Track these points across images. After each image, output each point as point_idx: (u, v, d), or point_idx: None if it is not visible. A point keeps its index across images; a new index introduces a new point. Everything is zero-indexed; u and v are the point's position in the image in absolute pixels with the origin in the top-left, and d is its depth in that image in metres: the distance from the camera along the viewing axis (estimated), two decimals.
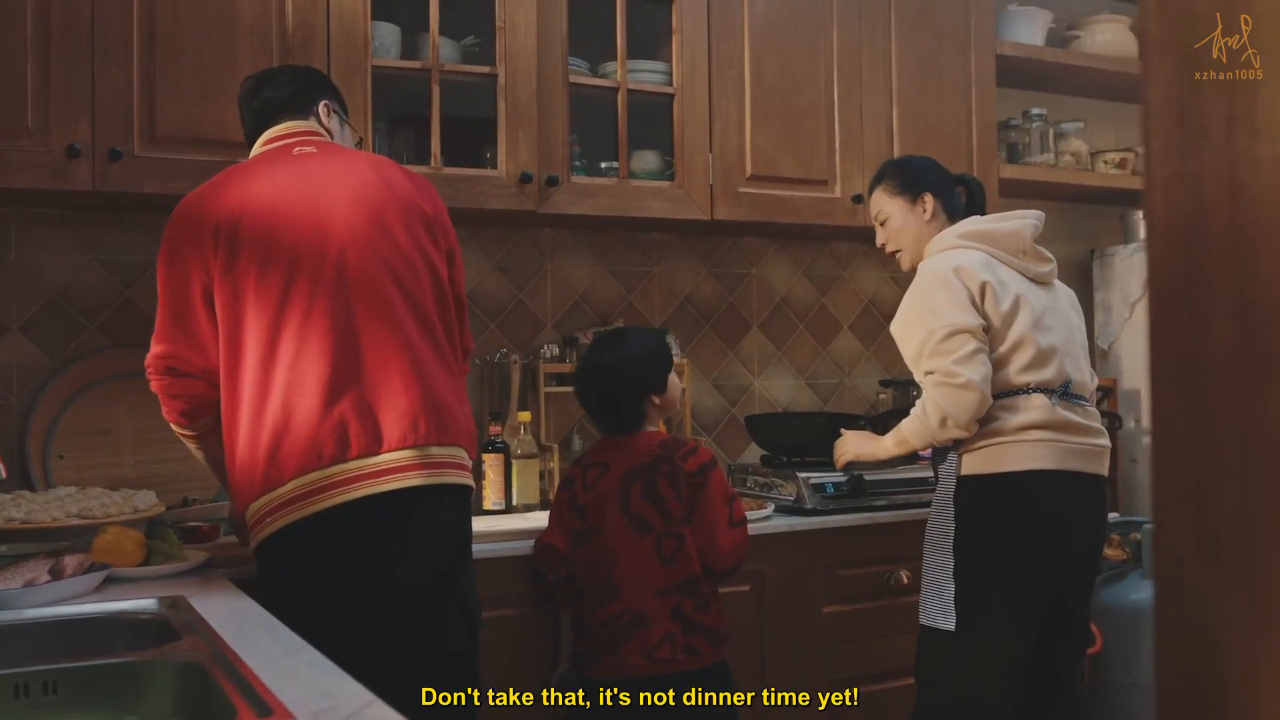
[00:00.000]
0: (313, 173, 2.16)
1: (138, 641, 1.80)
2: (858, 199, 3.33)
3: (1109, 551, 3.64)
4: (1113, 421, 4.02)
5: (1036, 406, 2.50)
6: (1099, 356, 4.20)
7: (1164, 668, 0.98)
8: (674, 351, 3.34)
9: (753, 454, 3.50)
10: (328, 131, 2.33)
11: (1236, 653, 0.92)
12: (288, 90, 2.32)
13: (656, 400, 2.57)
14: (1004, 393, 2.51)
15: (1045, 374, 2.52)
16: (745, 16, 3.22)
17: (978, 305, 2.49)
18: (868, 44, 3.40)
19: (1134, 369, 4.08)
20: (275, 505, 2.02)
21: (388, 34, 2.86)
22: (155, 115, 2.54)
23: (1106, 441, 2.61)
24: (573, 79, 3.01)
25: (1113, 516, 3.73)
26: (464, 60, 2.97)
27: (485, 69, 2.90)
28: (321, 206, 2.10)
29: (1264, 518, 0.89)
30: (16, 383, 2.73)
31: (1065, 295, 2.72)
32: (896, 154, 3.40)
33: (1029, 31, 3.87)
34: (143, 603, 1.90)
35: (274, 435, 2.02)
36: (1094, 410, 2.62)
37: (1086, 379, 2.63)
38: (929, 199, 2.70)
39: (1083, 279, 4.29)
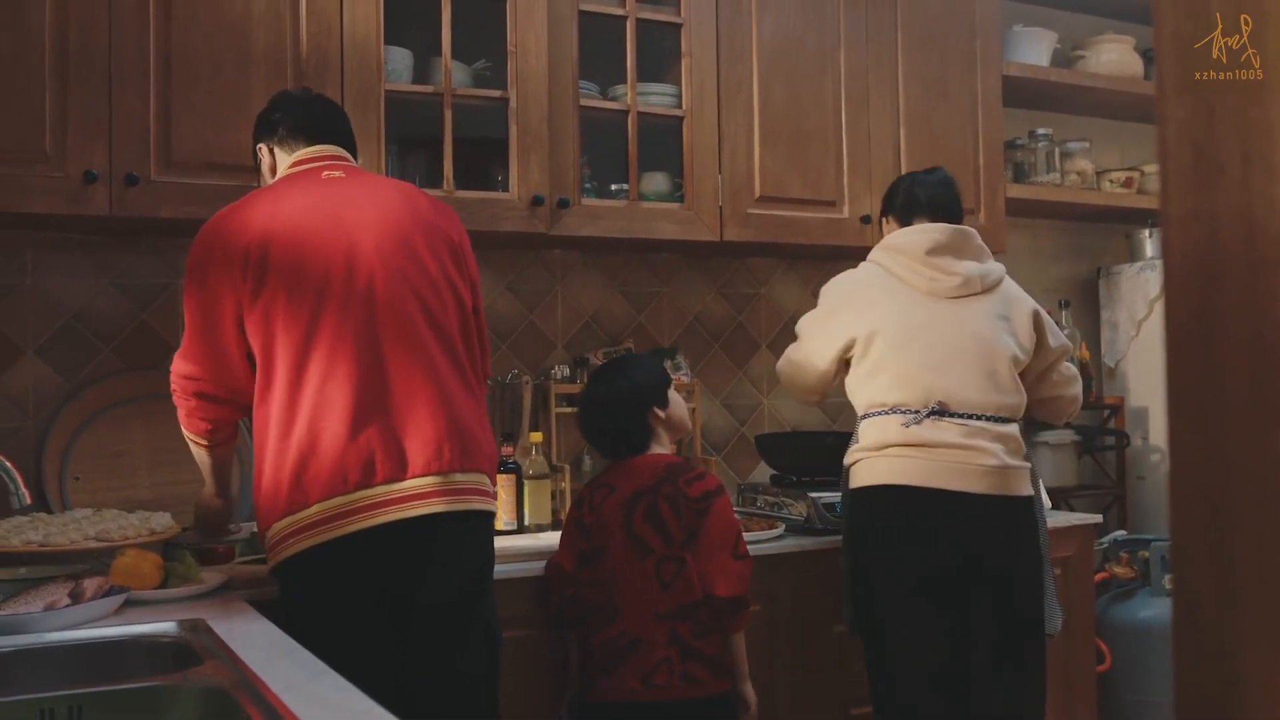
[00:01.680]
0: (341, 197, 2.17)
1: (158, 665, 1.82)
2: (866, 219, 3.36)
3: (1118, 569, 3.66)
4: (1120, 439, 4.05)
5: (891, 426, 2.59)
6: (1105, 374, 4.22)
7: (1183, 699, 1.00)
8: (683, 370, 3.37)
9: (762, 473, 3.52)
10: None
11: (1255, 682, 0.94)
12: (342, 125, 2.37)
13: (660, 413, 2.57)
14: (865, 414, 2.66)
15: (903, 395, 2.59)
16: (754, 40, 3.24)
17: (839, 321, 2.70)
18: (874, 66, 3.42)
19: (1140, 387, 4.10)
20: (299, 528, 2.03)
21: (400, 59, 2.89)
22: (171, 140, 2.57)
23: (995, 460, 2.55)
24: (583, 102, 3.04)
25: (1120, 534, 3.75)
26: (476, 84, 3.00)
27: (497, 93, 2.93)
28: (349, 231, 2.12)
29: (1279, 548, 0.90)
30: (33, 406, 2.75)
31: (988, 306, 2.65)
32: (904, 174, 3.42)
33: (1034, 52, 3.90)
34: (163, 626, 1.91)
35: (299, 459, 2.03)
36: (985, 427, 2.57)
37: (975, 395, 2.58)
38: (886, 222, 2.87)
39: (1089, 297, 4.31)
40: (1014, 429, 2.61)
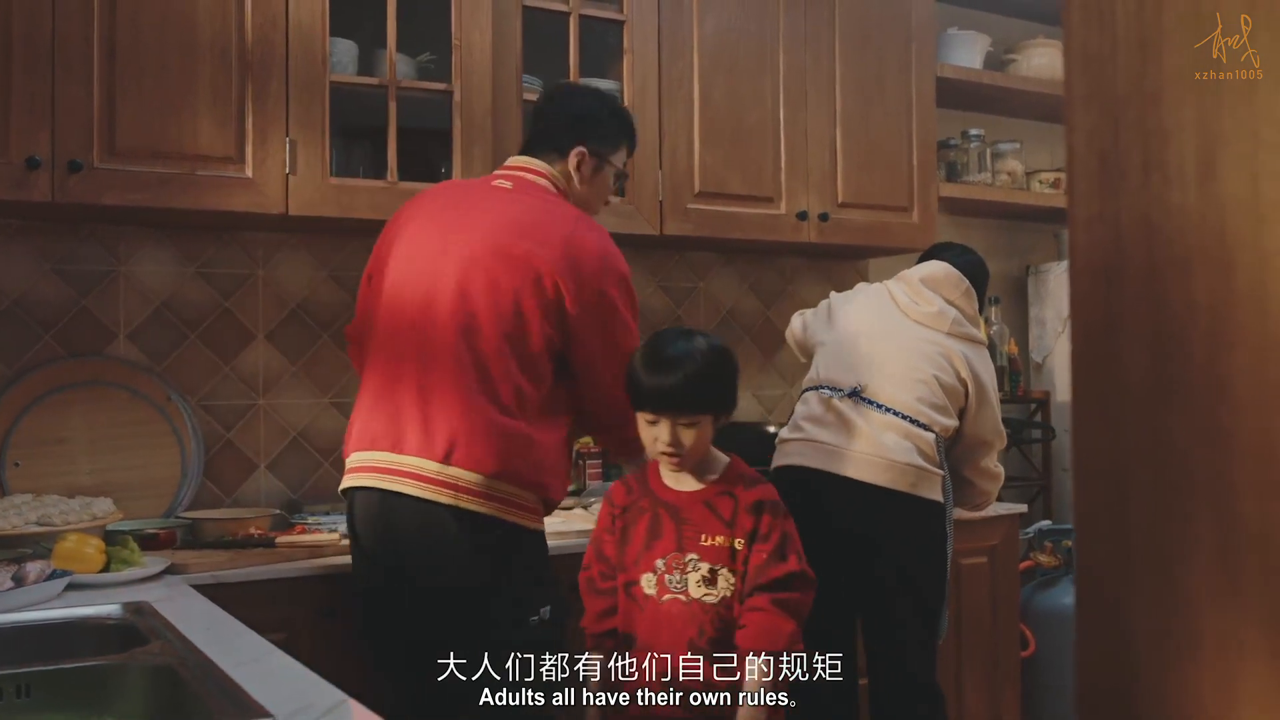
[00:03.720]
0: (470, 215, 2.27)
1: (104, 646, 1.84)
2: (803, 215, 3.43)
3: (1042, 558, 3.77)
4: (1045, 433, 4.16)
5: (814, 402, 2.74)
6: (1033, 369, 4.34)
7: (1083, 667, 1.07)
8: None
9: None
10: (563, 177, 2.40)
11: (1148, 652, 1.01)
12: (559, 123, 2.43)
13: None
14: (802, 390, 2.84)
15: (832, 374, 2.75)
16: (695, 38, 3.30)
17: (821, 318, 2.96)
18: (813, 66, 3.50)
19: (1066, 382, 4.21)
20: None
21: (345, 50, 2.91)
22: (115, 128, 2.57)
23: (902, 457, 2.62)
24: (527, 96, 3.08)
25: (1045, 524, 3.87)
26: (420, 76, 3.02)
27: (441, 85, 2.96)
28: (447, 252, 2.22)
29: (1173, 529, 0.98)
30: None
31: (942, 340, 2.74)
32: (840, 173, 3.51)
33: (968, 55, 4.00)
34: (107, 608, 1.94)
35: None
36: (898, 423, 2.64)
37: (896, 391, 2.66)
38: None
39: (1018, 294, 4.42)
40: (930, 437, 2.65)
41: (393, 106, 2.89)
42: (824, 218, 3.48)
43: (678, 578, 2.14)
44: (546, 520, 2.28)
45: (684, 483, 2.22)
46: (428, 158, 3.04)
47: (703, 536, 2.16)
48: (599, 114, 2.46)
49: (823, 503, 2.62)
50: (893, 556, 2.65)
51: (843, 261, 3.98)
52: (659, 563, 2.16)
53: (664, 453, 2.16)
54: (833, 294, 3.03)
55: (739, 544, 2.15)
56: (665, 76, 3.25)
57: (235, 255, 3.03)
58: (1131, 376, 1.00)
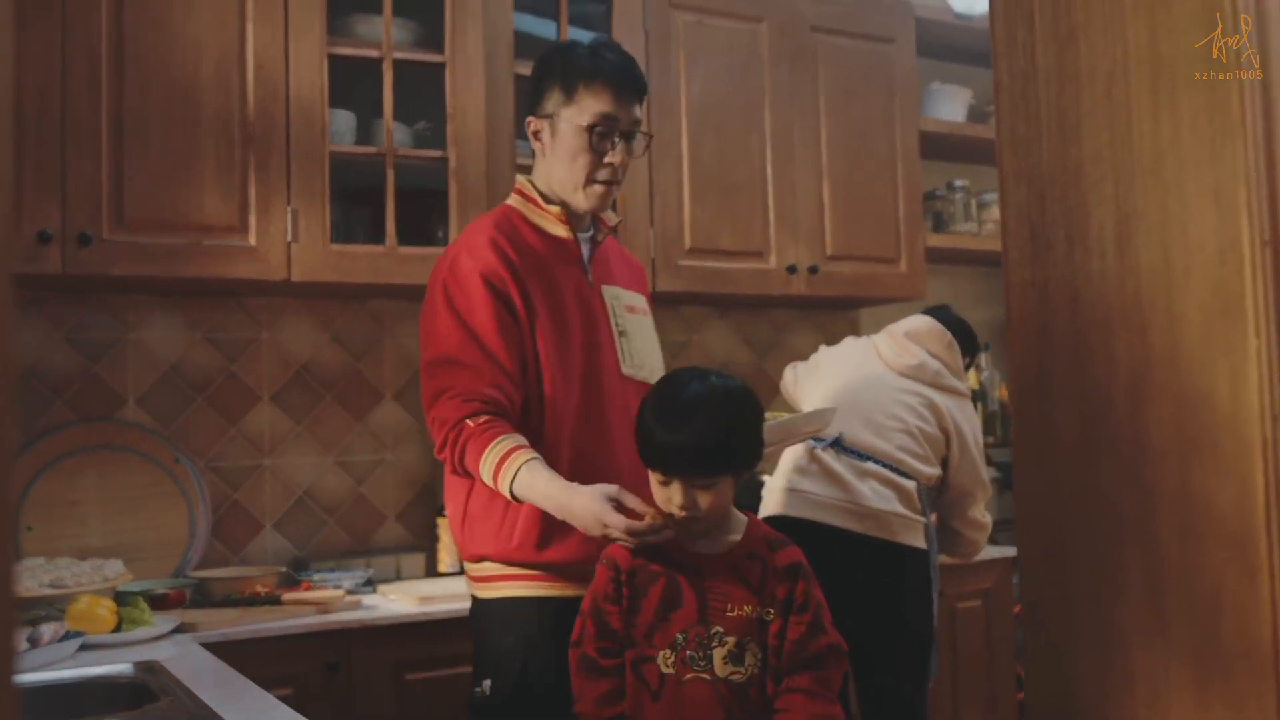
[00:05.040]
0: None
1: (115, 705, 1.92)
2: (792, 269, 3.52)
3: None
4: None
5: (799, 452, 2.79)
6: None
7: (1033, 708, 1.14)
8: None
9: None
10: (536, 163, 2.23)
11: (1090, 691, 1.08)
12: None
13: None
14: None
15: None
16: (683, 98, 3.41)
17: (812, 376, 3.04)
18: (799, 122, 3.60)
19: None
20: None
21: (344, 121, 3.01)
22: (123, 200, 2.67)
23: (882, 505, 2.65)
24: (520, 160, 3.17)
25: None
26: (416, 144, 3.13)
27: (437, 153, 3.06)
28: None
29: (1107, 574, 1.05)
30: None
31: (925, 392, 2.81)
32: (828, 226, 3.60)
33: (950, 108, 4.10)
34: (118, 668, 2.01)
35: None
36: (878, 470, 2.68)
37: (876, 441, 2.72)
38: None
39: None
40: (912, 485, 2.70)
41: (390, 174, 2.99)
42: (813, 270, 3.56)
43: (700, 654, 1.82)
44: None
45: (703, 544, 1.90)
46: (425, 222, 3.14)
47: (729, 606, 1.84)
48: (533, 78, 2.21)
49: (807, 552, 2.67)
50: (878, 603, 2.69)
51: (834, 312, 4.06)
52: (678, 636, 1.83)
53: (678, 516, 1.85)
54: (822, 347, 3.11)
55: (768, 614, 1.85)
56: (655, 137, 3.35)
57: (240, 320, 3.12)
58: (1063, 431, 1.08)
